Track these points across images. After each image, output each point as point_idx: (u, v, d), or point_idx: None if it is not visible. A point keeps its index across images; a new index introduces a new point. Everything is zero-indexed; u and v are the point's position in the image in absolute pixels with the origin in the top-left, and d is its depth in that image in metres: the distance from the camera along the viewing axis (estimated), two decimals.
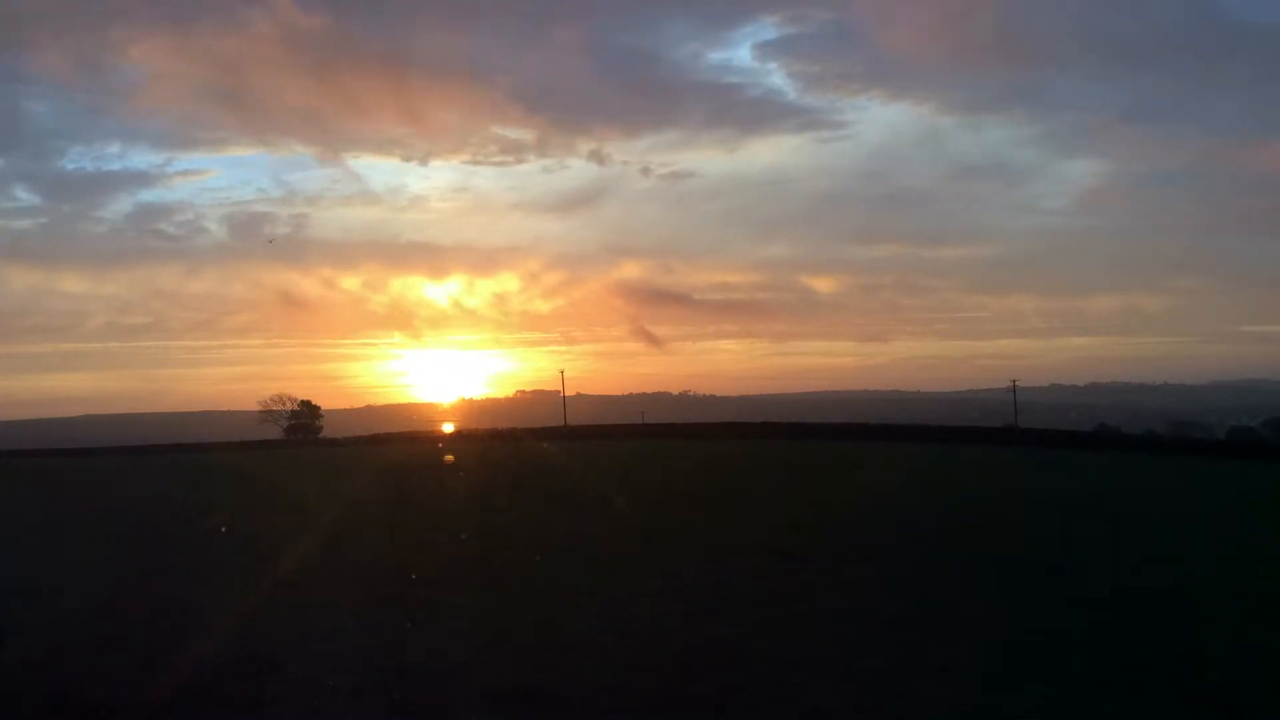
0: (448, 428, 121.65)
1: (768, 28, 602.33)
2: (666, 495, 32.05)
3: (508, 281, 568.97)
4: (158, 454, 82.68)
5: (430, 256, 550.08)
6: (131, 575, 17.93)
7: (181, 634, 12.77)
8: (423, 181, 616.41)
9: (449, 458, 57.71)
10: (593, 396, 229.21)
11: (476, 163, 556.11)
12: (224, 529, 24.67)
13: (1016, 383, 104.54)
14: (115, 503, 35.15)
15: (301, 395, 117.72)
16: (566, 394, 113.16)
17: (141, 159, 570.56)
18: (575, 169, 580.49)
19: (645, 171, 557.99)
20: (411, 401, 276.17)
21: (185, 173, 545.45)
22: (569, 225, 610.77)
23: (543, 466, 48.25)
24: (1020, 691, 10.11)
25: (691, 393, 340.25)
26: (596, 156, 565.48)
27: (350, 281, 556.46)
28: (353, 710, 9.70)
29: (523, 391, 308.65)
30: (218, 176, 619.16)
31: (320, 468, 52.04)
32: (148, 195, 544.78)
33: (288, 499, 33.91)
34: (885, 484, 37.62)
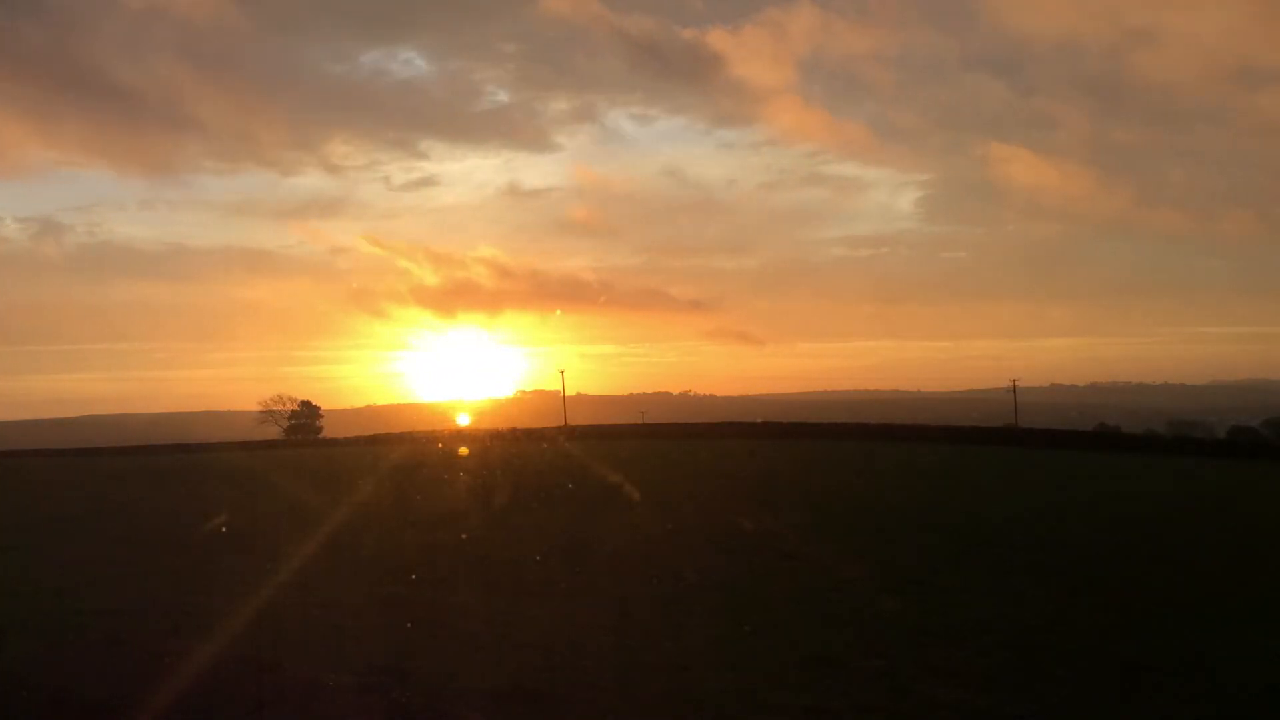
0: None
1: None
2: (667, 495, 32.03)
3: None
4: (158, 454, 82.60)
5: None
6: (131, 575, 17.91)
7: (182, 634, 12.76)
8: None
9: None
10: (593, 396, 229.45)
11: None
12: (224, 529, 24.66)
13: (1016, 382, 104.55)
14: (116, 503, 35.11)
15: (299, 395, 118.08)
16: (566, 394, 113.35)
17: None
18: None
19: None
20: (412, 401, 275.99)
21: None
22: None
23: (543, 466, 48.19)
24: (1022, 691, 10.10)
25: (692, 393, 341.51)
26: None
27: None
28: (354, 711, 9.69)
29: (523, 392, 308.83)
30: None
31: (320, 468, 51.99)
32: None
33: (288, 499, 33.90)
34: (885, 484, 37.62)
